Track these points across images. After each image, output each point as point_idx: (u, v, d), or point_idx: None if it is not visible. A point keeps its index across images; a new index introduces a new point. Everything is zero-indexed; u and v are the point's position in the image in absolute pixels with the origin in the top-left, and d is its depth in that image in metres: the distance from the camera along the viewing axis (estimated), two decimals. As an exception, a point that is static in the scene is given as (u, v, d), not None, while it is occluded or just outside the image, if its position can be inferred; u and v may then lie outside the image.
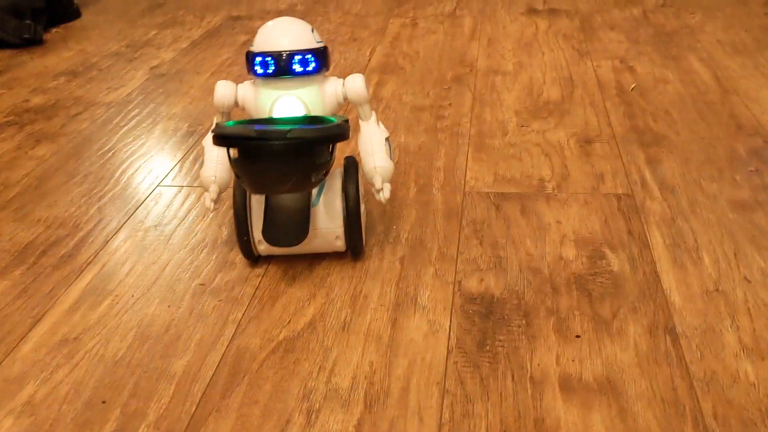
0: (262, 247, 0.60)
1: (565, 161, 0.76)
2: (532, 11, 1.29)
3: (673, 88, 0.93)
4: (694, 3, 1.28)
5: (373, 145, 0.58)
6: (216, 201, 0.57)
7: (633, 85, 0.95)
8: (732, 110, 0.86)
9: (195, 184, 0.75)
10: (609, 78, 0.98)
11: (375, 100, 0.94)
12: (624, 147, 0.79)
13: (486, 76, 1.01)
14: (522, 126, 0.85)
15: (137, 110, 0.96)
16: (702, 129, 0.82)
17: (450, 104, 0.92)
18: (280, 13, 1.34)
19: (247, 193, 0.58)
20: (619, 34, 1.15)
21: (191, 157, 0.82)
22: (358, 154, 0.59)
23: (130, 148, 0.85)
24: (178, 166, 0.80)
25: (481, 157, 0.78)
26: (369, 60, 1.09)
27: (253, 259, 0.61)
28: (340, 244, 0.60)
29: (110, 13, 1.42)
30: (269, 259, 0.62)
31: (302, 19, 0.57)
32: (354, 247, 0.60)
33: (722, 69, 0.98)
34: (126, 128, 0.90)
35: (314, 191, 0.59)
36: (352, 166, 0.60)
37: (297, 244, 0.57)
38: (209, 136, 0.57)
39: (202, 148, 0.59)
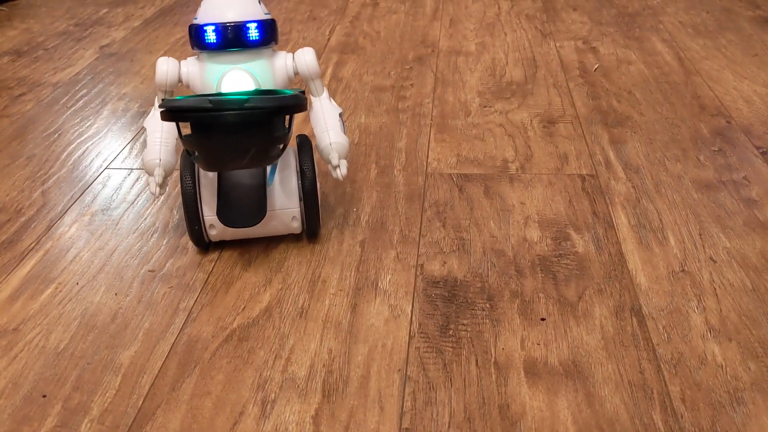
0: (214, 232, 0.57)
1: (529, 142, 0.75)
2: (494, -8, 1.28)
3: (636, 68, 0.92)
4: (655, -15, 1.28)
5: (326, 121, 0.56)
6: (162, 186, 0.53)
7: (596, 66, 0.93)
8: (695, 91, 0.85)
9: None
10: (572, 59, 0.96)
11: (335, 80, 0.92)
12: (588, 127, 0.78)
13: (448, 56, 0.98)
14: (485, 107, 0.83)
15: (85, 90, 0.91)
16: (665, 109, 0.81)
17: (412, 85, 0.90)
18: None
19: (197, 176, 0.55)
20: (582, 15, 1.14)
21: (142, 139, 0.78)
22: (311, 134, 0.57)
23: (77, 130, 0.81)
24: (128, 147, 0.76)
25: (444, 138, 0.76)
26: (328, 39, 1.06)
27: (204, 246, 0.58)
28: (296, 225, 0.58)
29: (59, -10, 1.37)
30: (223, 243, 0.59)
31: None
32: (311, 229, 0.58)
33: (685, 50, 0.98)
34: (73, 109, 0.86)
35: (267, 170, 0.56)
36: (305, 143, 0.57)
37: (255, 224, 0.54)
38: (151, 117, 0.54)
39: (144, 129, 0.55)
